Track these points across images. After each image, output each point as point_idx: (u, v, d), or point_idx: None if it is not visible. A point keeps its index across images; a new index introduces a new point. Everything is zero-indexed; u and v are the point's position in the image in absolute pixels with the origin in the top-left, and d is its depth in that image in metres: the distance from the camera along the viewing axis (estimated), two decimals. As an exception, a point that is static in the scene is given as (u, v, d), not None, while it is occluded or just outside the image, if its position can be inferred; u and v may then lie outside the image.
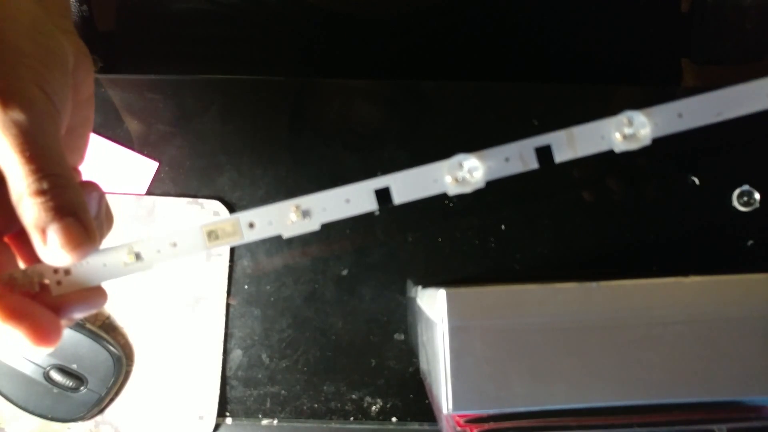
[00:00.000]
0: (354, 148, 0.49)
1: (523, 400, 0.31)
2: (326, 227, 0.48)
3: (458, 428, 0.32)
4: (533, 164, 0.29)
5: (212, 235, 0.28)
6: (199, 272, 0.47)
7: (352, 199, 0.29)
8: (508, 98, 0.50)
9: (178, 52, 0.61)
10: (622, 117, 0.29)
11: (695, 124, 0.30)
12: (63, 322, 0.28)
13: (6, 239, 0.30)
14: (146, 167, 0.48)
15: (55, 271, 0.28)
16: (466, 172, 0.29)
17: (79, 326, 0.45)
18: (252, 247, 0.48)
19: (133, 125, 0.49)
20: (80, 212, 0.27)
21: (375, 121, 0.50)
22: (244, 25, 0.60)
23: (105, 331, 0.47)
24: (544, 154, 0.29)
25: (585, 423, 0.32)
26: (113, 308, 0.47)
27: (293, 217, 0.29)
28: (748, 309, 0.32)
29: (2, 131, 0.26)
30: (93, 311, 0.30)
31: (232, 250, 0.48)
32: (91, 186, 0.30)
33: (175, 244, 0.28)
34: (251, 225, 0.29)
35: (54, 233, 0.26)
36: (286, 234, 0.29)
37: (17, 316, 0.26)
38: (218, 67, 0.60)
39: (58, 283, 0.28)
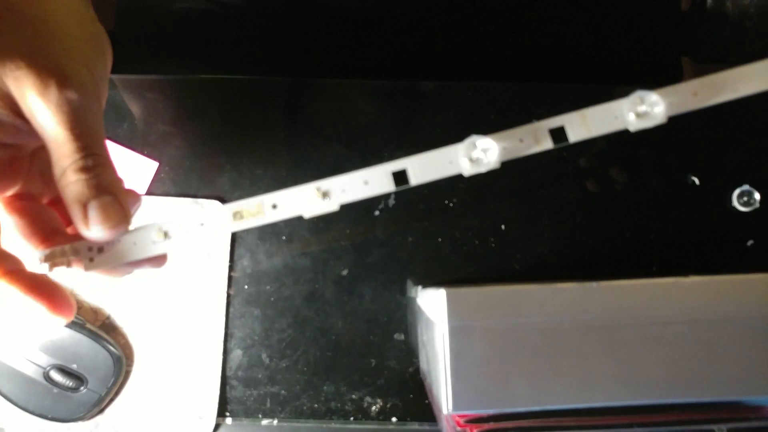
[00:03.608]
0: (354, 148, 0.49)
1: (523, 400, 0.31)
2: (326, 228, 0.48)
3: (458, 428, 0.32)
4: (548, 144, 0.29)
5: (237, 215, 0.30)
6: (199, 272, 0.47)
7: (371, 181, 0.30)
8: (508, 98, 0.50)
9: (178, 52, 0.61)
10: (635, 96, 0.29)
11: (711, 102, 0.29)
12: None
13: (46, 202, 0.32)
14: (146, 167, 0.48)
15: (90, 248, 0.29)
16: (480, 152, 0.29)
17: (79, 326, 0.45)
18: (252, 247, 0.48)
19: (133, 125, 0.49)
20: (118, 193, 0.29)
21: (375, 121, 0.50)
22: (244, 25, 0.60)
23: (105, 331, 0.47)
24: (558, 134, 0.29)
25: (585, 423, 0.32)
26: (113, 308, 0.47)
27: (314, 198, 0.29)
28: (748, 309, 0.32)
29: (56, 108, 0.27)
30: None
31: (232, 251, 0.48)
32: (134, 194, 0.32)
33: (202, 224, 0.30)
34: (274, 206, 0.30)
35: (94, 209, 0.28)
36: (307, 214, 0.30)
37: (36, 289, 0.28)
38: (218, 67, 0.60)
39: (91, 260, 0.30)
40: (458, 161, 0.29)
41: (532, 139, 0.29)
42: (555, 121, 0.29)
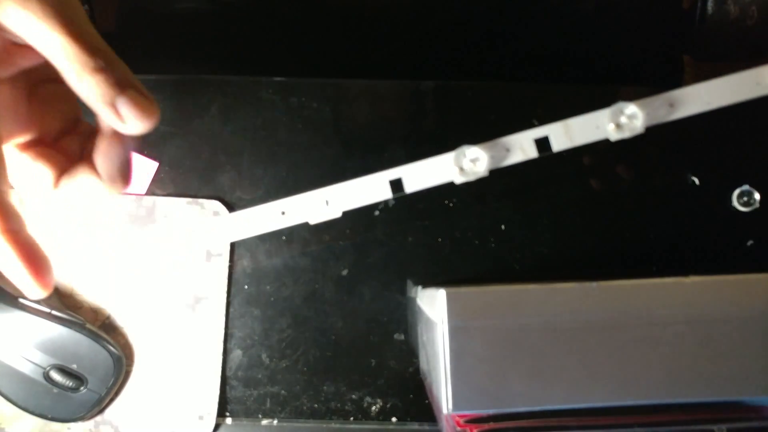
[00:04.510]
0: (354, 148, 0.49)
1: (523, 400, 0.31)
2: (326, 228, 0.48)
3: (458, 428, 0.32)
4: (533, 153, 0.31)
5: (250, 222, 0.32)
6: (199, 272, 0.47)
7: (369, 189, 0.32)
8: (508, 98, 0.50)
9: (179, 52, 0.61)
10: (615, 108, 0.30)
11: (686, 113, 0.30)
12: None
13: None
14: (146, 167, 0.48)
15: None
16: (469, 162, 0.30)
17: (79, 326, 0.45)
18: (252, 247, 0.48)
19: (133, 125, 0.49)
20: (137, 83, 0.29)
21: (375, 121, 0.50)
22: (245, 25, 0.60)
23: (105, 331, 0.47)
24: (542, 143, 0.31)
25: (585, 423, 0.32)
26: (113, 308, 0.47)
27: (318, 205, 0.32)
28: (748, 309, 0.32)
29: (44, 15, 0.27)
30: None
31: (232, 251, 0.48)
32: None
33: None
34: (283, 213, 0.32)
35: (124, 105, 0.28)
36: (312, 221, 0.32)
37: (30, 257, 0.28)
38: (219, 66, 0.60)
39: None
40: (449, 170, 0.31)
41: (519, 148, 0.31)
42: (540, 131, 0.31)
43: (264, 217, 0.31)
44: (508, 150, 0.31)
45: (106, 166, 0.31)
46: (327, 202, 0.31)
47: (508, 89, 0.50)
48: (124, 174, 0.32)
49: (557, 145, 0.31)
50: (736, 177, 0.48)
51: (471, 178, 0.31)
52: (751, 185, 0.48)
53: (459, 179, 0.30)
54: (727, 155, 0.49)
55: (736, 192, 0.48)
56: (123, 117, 0.28)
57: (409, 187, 0.31)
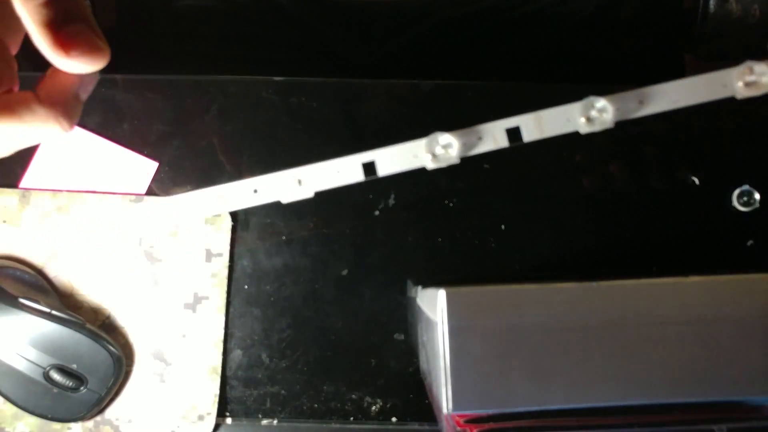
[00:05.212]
0: (354, 148, 0.49)
1: (523, 400, 0.31)
2: (326, 228, 0.48)
3: (458, 428, 0.32)
4: (504, 143, 0.31)
5: (222, 198, 0.32)
6: (199, 272, 0.47)
7: (342, 171, 0.32)
8: (508, 98, 0.50)
9: (181, 50, 0.61)
10: (586, 102, 0.31)
11: (654, 110, 0.31)
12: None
13: None
14: (146, 167, 0.48)
15: None
16: (441, 148, 0.31)
17: (79, 326, 0.45)
18: (252, 247, 0.48)
19: (133, 125, 0.49)
20: (92, 20, 0.26)
21: (375, 121, 0.50)
22: (248, 23, 0.60)
23: (105, 331, 0.47)
24: (513, 133, 0.31)
25: (585, 423, 0.32)
26: (113, 308, 0.47)
27: (291, 184, 0.32)
28: (748, 309, 0.32)
29: None
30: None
31: (232, 250, 0.48)
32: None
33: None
34: (255, 191, 0.32)
35: (69, 37, 0.25)
36: (285, 200, 0.32)
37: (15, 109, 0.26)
38: (220, 65, 0.60)
39: None
40: (421, 155, 0.31)
41: (490, 137, 0.31)
42: (511, 122, 0.32)
43: (236, 195, 0.32)
44: (480, 138, 0.31)
45: (52, 97, 0.27)
46: (300, 182, 0.32)
47: (508, 89, 0.50)
48: (70, 109, 0.28)
49: (528, 135, 0.31)
50: (736, 177, 0.48)
51: (443, 164, 0.31)
52: (751, 185, 0.48)
53: (431, 165, 0.31)
54: (727, 155, 0.49)
55: (736, 192, 0.48)
56: (67, 51, 0.25)
57: (382, 171, 0.32)
